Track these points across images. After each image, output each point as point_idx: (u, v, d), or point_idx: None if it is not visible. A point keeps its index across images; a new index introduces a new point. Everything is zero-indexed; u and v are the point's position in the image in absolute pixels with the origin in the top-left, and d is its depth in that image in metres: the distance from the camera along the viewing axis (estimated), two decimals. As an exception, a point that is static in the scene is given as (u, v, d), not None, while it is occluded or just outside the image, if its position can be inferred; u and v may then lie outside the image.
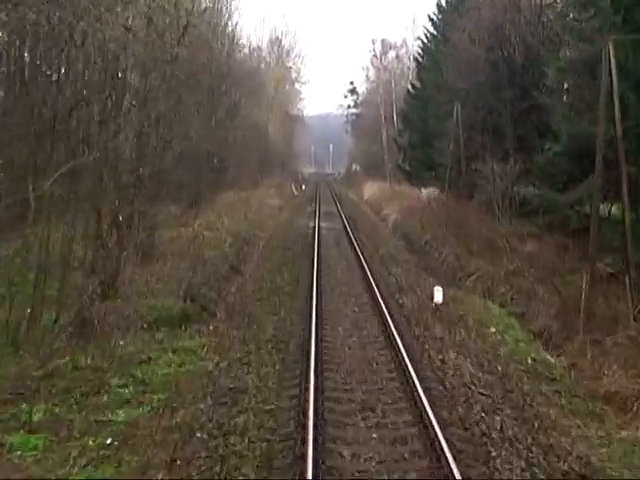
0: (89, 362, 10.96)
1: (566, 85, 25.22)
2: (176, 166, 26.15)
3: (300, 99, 77.14)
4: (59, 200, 15.33)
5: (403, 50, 72.87)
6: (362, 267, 18.55)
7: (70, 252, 15.76)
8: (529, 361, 11.01)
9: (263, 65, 65.79)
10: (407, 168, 45.93)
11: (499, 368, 10.13)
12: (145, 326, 13.73)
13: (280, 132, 60.30)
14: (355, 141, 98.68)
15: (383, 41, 77.36)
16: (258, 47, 65.50)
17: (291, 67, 70.35)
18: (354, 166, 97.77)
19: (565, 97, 25.55)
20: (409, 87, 49.14)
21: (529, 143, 26.80)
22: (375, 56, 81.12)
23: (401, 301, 14.65)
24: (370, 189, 57.28)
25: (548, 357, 11.79)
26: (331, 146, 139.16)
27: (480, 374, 9.71)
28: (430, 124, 38.86)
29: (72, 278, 14.98)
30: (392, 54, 75.38)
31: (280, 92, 56.30)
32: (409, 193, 43.47)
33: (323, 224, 30.58)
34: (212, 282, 17.65)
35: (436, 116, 36.78)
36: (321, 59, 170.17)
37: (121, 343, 12.17)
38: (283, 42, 70.15)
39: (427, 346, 11.06)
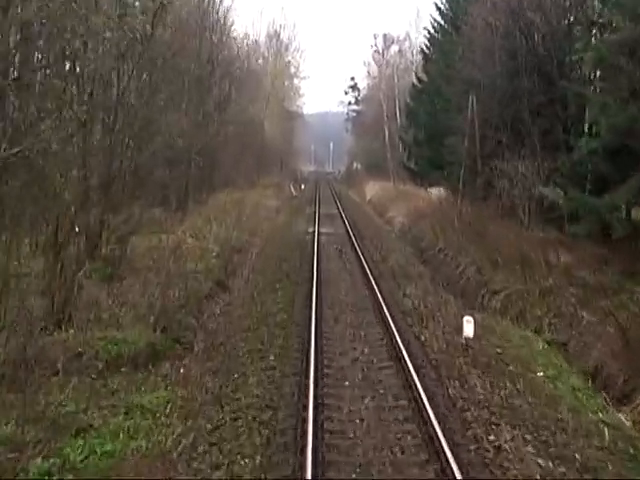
0: (7, 430, 8.09)
1: (598, 72, 22.47)
2: (158, 164, 23.26)
3: (299, 95, 74.22)
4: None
5: (406, 44, 69.96)
6: (370, 286, 15.56)
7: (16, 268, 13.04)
8: (603, 430, 8.10)
9: (261, 60, 62.93)
10: (412, 167, 43.01)
11: (572, 452, 7.19)
12: (99, 367, 10.87)
13: (278, 129, 57.36)
14: (356, 139, 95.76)
15: (385, 36, 74.54)
16: (256, 41, 62.72)
17: (289, 62, 67.42)
18: (355, 164, 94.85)
19: (594, 86, 22.75)
20: (414, 81, 46.23)
21: (554, 139, 23.89)
22: (377, 51, 78.17)
23: (423, 337, 11.65)
24: (372, 188, 54.38)
25: (622, 420, 8.91)
26: (331, 144, 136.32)
27: (551, 465, 6.80)
28: (438, 119, 35.98)
29: (17, 301, 12.12)
30: (394, 49, 72.43)
31: (278, 87, 53.38)
32: (415, 193, 40.57)
33: (323, 229, 27.67)
34: (192, 304, 14.76)
35: (446, 110, 33.89)
36: (320, 55, 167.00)
37: (60, 397, 9.30)
38: (282, 36, 67.26)
39: (470, 417, 8.04)
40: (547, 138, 24.45)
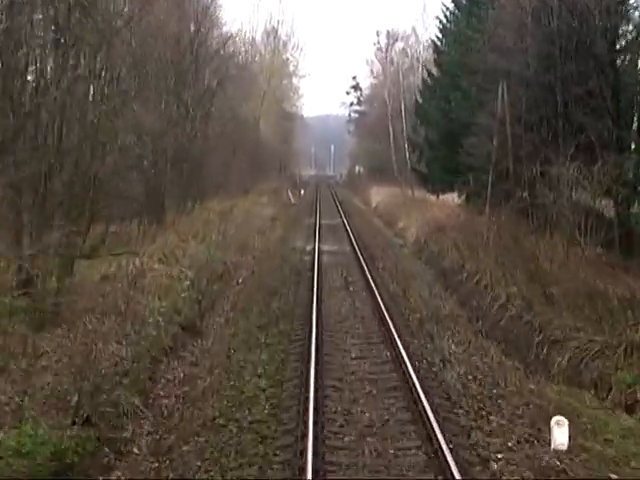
0: None
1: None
2: (122, 171, 19.01)
3: (298, 95, 69.96)
4: None
5: (412, 39, 65.85)
6: (392, 344, 11.03)
7: None
8: None
9: (258, 58, 58.80)
10: (424, 171, 38.74)
11: None
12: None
13: (275, 130, 53.19)
14: (358, 141, 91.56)
15: (388, 32, 70.41)
16: (252, 38, 58.57)
17: (288, 59, 63.28)
18: (357, 168, 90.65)
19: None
20: (425, 77, 41.96)
21: (602, 137, 19.64)
22: (380, 49, 74.18)
23: (485, 452, 7.18)
24: (378, 194, 50.14)
25: None
26: (332, 147, 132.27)
27: None
28: (454, 117, 31.79)
29: None
30: (399, 45, 68.29)
31: (275, 85, 49.23)
32: (428, 201, 36.38)
33: (325, 246, 23.46)
34: (141, 367, 10.52)
35: (464, 107, 29.70)
36: (320, 56, 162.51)
37: None
38: (279, 32, 63.10)
39: None
40: (592, 137, 20.25)
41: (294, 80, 65.32)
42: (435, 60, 40.14)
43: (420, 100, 40.57)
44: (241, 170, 41.86)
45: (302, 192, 57.48)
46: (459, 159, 30.20)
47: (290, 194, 46.70)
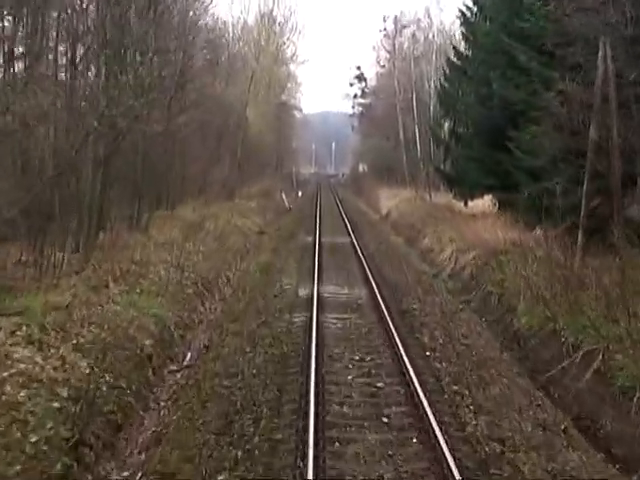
0: None
1: None
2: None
3: (297, 84, 62.14)
4: None
5: (425, 22, 58.05)
6: None
7: None
8: None
9: (252, 45, 51.16)
10: (450, 172, 31.03)
11: None
12: None
13: (269, 122, 45.52)
14: (362, 137, 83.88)
15: (396, 17, 62.72)
16: (244, 21, 50.88)
17: (284, 42, 55.61)
18: (361, 166, 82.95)
19: None
20: (451, 57, 34.16)
21: None
22: (387, 35, 66.61)
23: None
24: (389, 199, 42.55)
25: None
26: (333, 144, 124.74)
27: None
28: (498, 104, 24.21)
29: None
30: (409, 30, 60.52)
31: (267, 66, 41.37)
32: (455, 209, 28.88)
33: (330, 286, 15.67)
34: None
35: (516, 86, 22.10)
36: (319, 53, 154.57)
37: None
38: (275, 12, 55.45)
39: None
40: None
41: (292, 67, 57.66)
42: (463, 34, 32.46)
43: (445, 85, 32.83)
44: (225, 168, 34.29)
45: (300, 194, 49.88)
46: (502, 157, 22.69)
47: (284, 197, 39.03)
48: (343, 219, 32.00)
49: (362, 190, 58.25)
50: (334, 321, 12.54)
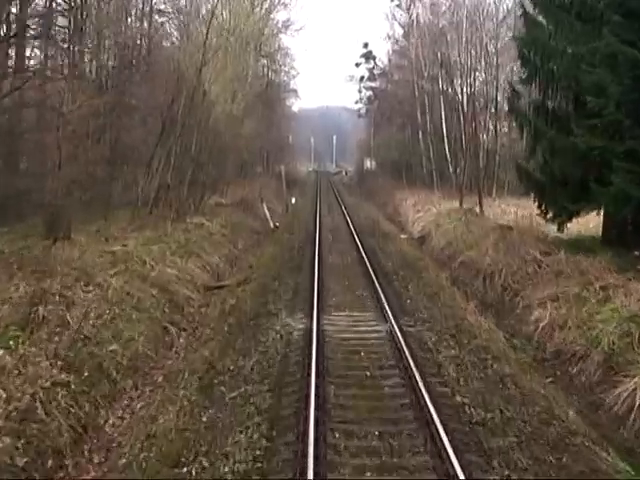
0: None
1: None
2: None
3: (290, 58, 49.27)
4: None
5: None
6: None
7: None
8: None
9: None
10: (536, 173, 18.39)
11: None
12: None
13: (249, 107, 32.97)
14: (368, 128, 71.34)
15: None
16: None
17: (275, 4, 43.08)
18: (368, 162, 70.42)
19: None
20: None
21: None
22: (399, 5, 54.12)
23: None
24: (417, 209, 30.27)
25: None
26: (334, 137, 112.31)
27: None
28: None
29: None
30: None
31: (242, 15, 28.49)
32: (556, 241, 16.76)
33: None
34: None
35: None
36: (317, 45, 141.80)
37: None
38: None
39: None
40: None
41: (282, 37, 45.00)
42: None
43: (526, 39, 19.86)
44: (181, 172, 21.98)
45: (293, 201, 37.51)
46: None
47: (267, 212, 26.27)
48: (358, 248, 19.68)
49: (374, 193, 45.85)
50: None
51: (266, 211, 25.32)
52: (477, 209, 25.84)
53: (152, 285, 12.57)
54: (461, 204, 26.95)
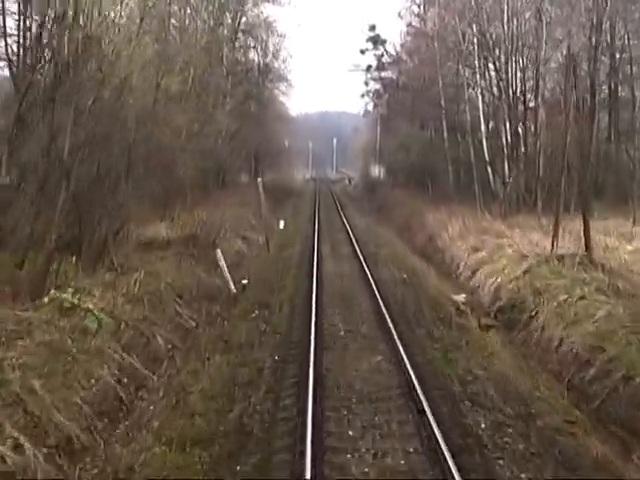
0: None
1: None
2: None
3: (278, 35, 38.13)
4: None
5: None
6: None
7: None
8: None
9: None
10: None
11: None
12: None
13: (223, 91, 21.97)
14: (373, 129, 60.40)
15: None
16: None
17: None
18: (376, 169, 59.46)
19: None
20: None
21: None
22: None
23: None
24: (469, 244, 19.43)
25: None
26: (335, 140, 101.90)
27: None
28: None
29: None
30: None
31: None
32: None
33: None
34: None
35: None
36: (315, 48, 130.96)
37: None
38: None
39: None
40: None
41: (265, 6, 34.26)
42: None
43: None
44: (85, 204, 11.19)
45: (282, 225, 26.80)
46: None
47: (224, 266, 14.30)
48: (400, 360, 9.07)
49: (389, 210, 34.94)
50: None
51: (223, 265, 14.31)
52: (582, 251, 15.18)
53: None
54: (554, 242, 16.15)
